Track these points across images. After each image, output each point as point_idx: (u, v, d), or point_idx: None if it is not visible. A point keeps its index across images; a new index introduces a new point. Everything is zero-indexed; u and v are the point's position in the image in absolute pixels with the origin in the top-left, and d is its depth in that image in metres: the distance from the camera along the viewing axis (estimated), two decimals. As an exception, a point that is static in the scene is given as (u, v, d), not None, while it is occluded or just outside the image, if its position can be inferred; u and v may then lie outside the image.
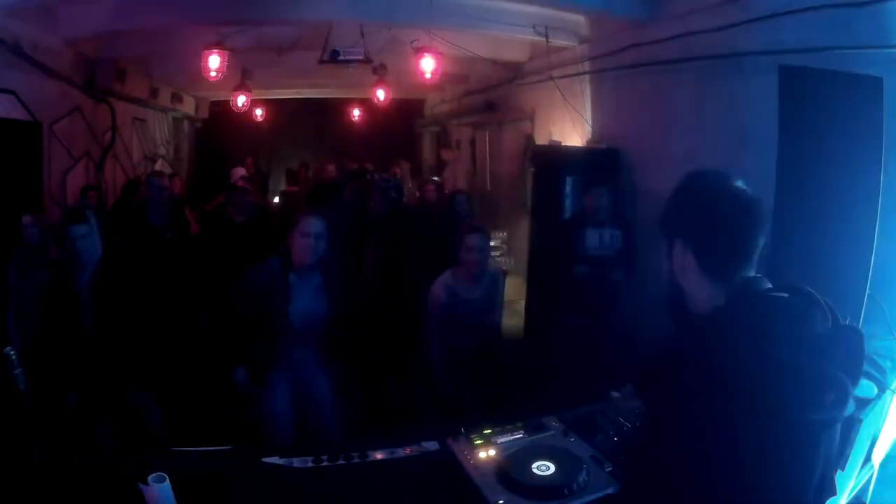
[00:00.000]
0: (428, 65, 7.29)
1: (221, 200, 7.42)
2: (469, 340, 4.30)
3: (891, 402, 2.94)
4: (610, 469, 2.14)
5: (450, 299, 4.18)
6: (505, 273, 5.33)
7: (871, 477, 3.02)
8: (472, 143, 12.21)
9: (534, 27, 6.85)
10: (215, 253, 6.05)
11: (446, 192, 8.40)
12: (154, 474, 2.10)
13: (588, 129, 7.23)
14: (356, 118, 14.70)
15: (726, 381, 1.38)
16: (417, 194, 9.08)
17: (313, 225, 3.73)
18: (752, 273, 1.56)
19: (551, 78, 7.57)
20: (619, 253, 5.68)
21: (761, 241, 1.56)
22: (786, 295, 1.48)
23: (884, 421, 2.92)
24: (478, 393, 4.19)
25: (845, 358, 1.42)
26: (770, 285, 1.53)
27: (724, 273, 1.55)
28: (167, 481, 2.10)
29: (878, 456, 2.98)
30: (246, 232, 6.13)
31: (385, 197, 5.68)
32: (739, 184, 1.59)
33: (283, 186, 13.16)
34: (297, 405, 3.93)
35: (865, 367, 2.88)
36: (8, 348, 3.84)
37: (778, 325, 1.41)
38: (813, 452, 1.48)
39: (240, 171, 10.81)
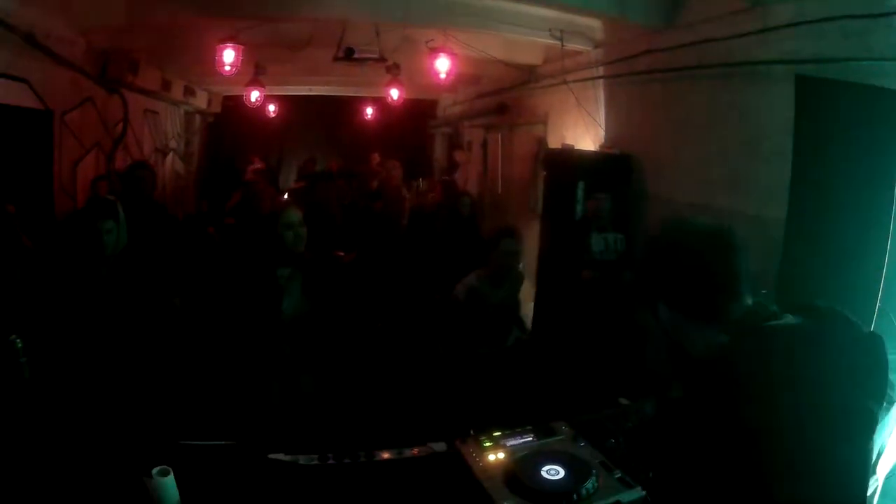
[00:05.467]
0: (442, 65, 7.28)
1: (238, 198, 7.44)
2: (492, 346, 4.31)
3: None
4: (619, 476, 2.13)
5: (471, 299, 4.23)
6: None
7: (875, 489, 3.00)
8: (484, 145, 12.16)
9: (549, 30, 6.83)
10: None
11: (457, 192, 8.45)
12: (158, 467, 2.10)
13: (601, 133, 7.21)
14: (369, 117, 14.71)
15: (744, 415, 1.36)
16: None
17: (292, 216, 3.77)
18: (749, 301, 1.52)
19: (565, 82, 7.58)
20: (623, 256, 5.75)
21: (743, 266, 1.52)
22: (792, 321, 1.45)
23: (889, 434, 2.90)
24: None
25: (866, 373, 1.40)
26: (775, 309, 1.49)
27: (716, 315, 1.52)
28: (171, 475, 2.10)
29: (882, 469, 2.96)
30: None
31: None
32: (701, 221, 1.57)
33: (292, 182, 13.12)
34: (287, 399, 3.94)
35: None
36: (14, 336, 3.86)
37: (782, 357, 1.39)
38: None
39: (257, 165, 10.70)
